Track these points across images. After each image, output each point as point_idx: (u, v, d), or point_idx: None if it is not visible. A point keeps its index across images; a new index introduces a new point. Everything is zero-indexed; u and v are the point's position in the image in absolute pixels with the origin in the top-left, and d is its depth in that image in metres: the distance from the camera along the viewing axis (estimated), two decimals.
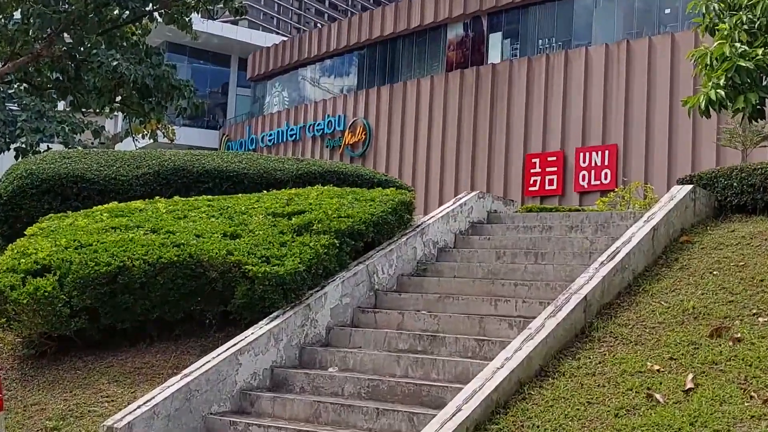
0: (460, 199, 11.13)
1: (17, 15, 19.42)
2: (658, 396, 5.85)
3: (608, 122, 28.69)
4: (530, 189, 30.64)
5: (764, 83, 9.24)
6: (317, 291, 8.18)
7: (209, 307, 8.04)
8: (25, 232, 9.20)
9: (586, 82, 29.40)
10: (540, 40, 32.77)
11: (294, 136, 43.61)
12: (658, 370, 6.25)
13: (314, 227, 8.80)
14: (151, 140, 23.35)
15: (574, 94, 29.76)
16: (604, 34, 30.06)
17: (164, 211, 9.66)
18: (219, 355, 7.11)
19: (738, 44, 9.07)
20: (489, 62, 34.00)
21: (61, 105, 26.54)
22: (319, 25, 78.57)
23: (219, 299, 7.98)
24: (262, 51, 49.15)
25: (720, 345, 6.51)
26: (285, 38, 47.45)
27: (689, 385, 5.93)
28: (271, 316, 7.72)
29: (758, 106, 9.17)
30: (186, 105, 20.10)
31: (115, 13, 19.38)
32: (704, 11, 9.97)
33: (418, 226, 10.00)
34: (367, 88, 39.79)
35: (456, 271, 9.39)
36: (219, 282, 7.86)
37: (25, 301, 7.59)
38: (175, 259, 7.81)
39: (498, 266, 9.20)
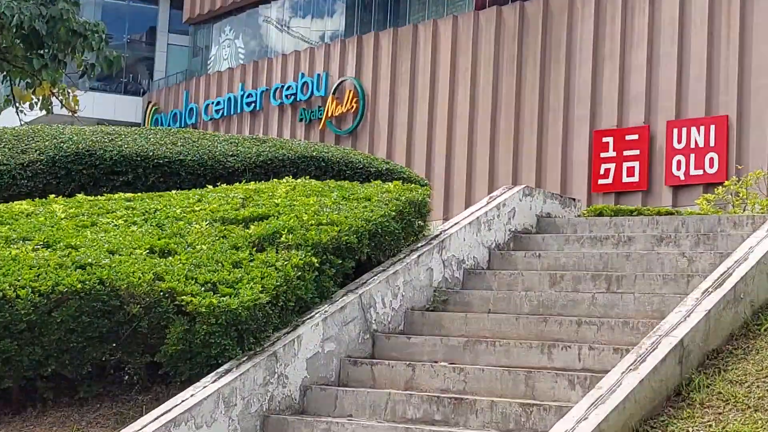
0: (497, 197, 11.15)
1: None
2: None
3: (715, 84, 28.74)
4: (600, 182, 30.69)
5: None
6: (287, 333, 8.18)
7: (129, 356, 8.03)
8: None
9: (682, 25, 29.46)
10: None
11: (253, 105, 43.72)
12: None
13: (282, 239, 8.80)
14: (44, 112, 23.37)
15: (664, 42, 29.83)
16: None
17: (63, 216, 9.66)
18: (143, 428, 7.11)
19: None
20: None
21: None
22: None
23: (143, 345, 7.97)
24: None
25: None
26: None
27: None
28: (219, 370, 7.72)
29: None
30: (94, 60, 20.15)
31: None
32: None
33: (435, 238, 10.01)
34: (360, 35, 39.90)
35: (491, 303, 9.40)
36: (143, 320, 7.86)
37: None
38: (79, 286, 7.80)
39: (553, 296, 9.21)
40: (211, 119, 45.78)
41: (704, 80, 28.80)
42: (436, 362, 8.44)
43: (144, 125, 48.77)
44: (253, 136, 13.70)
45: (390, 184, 10.57)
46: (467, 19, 35.38)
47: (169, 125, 47.04)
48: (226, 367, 7.74)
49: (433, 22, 36.60)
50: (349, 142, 38.29)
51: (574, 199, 12.34)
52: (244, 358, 7.84)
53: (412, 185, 10.73)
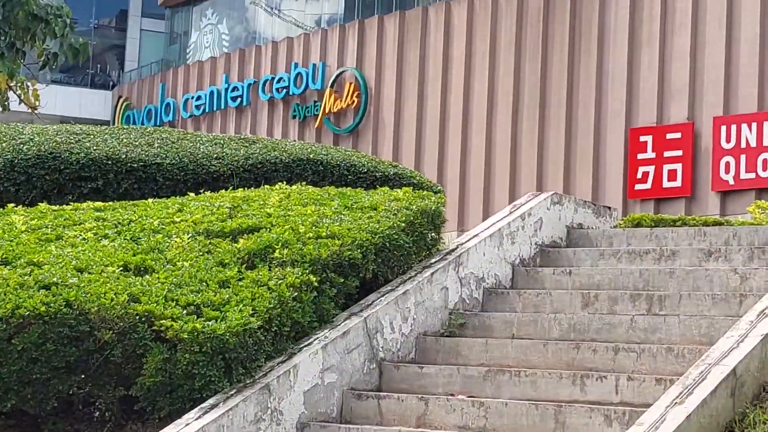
0: (522, 206, 11.16)
1: None
2: None
3: None
4: (637, 187, 30.71)
5: None
6: (282, 363, 8.19)
7: (101, 390, 8.03)
8: None
9: (730, 5, 29.49)
10: None
11: (239, 100, 43.82)
12: None
13: (276, 255, 8.80)
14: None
15: (711, 26, 29.86)
16: None
17: (23, 228, 9.67)
18: None
19: None
20: None
21: None
22: None
23: (117, 377, 7.97)
24: None
25: None
26: None
27: None
28: (204, 405, 7.72)
29: None
30: (57, 49, 20.21)
31: None
32: None
33: (450, 253, 10.02)
34: (362, 19, 39.99)
35: (515, 327, 9.40)
36: (117, 348, 7.86)
37: None
38: (43, 310, 7.81)
39: (586, 319, 9.21)
40: (191, 116, 45.87)
41: (756, 69, 28.82)
42: (452, 395, 8.45)
43: (114, 123, 48.90)
44: (241, 137, 13.75)
45: (399, 191, 10.59)
46: (484, 1, 35.43)
47: (142, 123, 47.16)
48: (211, 401, 7.74)
49: (446, 3, 36.68)
50: (350, 142, 38.36)
51: (609, 208, 12.35)
52: (233, 392, 7.84)
53: (424, 192, 10.75)
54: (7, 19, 19.37)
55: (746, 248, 10.21)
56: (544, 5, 33.68)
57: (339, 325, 8.71)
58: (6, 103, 23.22)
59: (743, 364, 7.37)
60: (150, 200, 11.06)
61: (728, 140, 29.00)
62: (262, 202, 10.37)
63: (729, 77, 29.31)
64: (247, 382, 7.94)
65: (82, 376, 7.99)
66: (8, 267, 8.57)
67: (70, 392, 8.06)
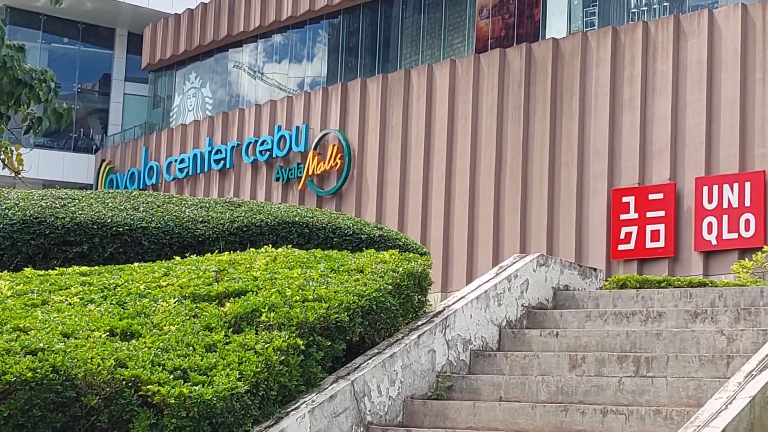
0: (508, 267, 11.19)
1: None
2: None
3: (750, 135, 29.00)
4: (620, 248, 30.78)
5: None
6: (269, 427, 8.16)
7: None
8: None
9: (710, 67, 29.80)
10: (633, 0, 33.31)
11: (222, 163, 43.89)
12: None
13: (263, 318, 8.81)
14: None
15: (691, 88, 30.14)
16: None
17: (9, 293, 9.65)
18: None
19: None
20: (548, 36, 34.48)
21: None
22: None
23: None
24: (167, 21, 49.78)
25: None
26: None
27: None
28: None
29: None
30: (42, 113, 20.26)
31: None
32: None
33: (437, 315, 10.03)
34: (345, 82, 40.23)
35: (503, 389, 9.41)
36: (103, 413, 7.83)
37: None
38: (30, 375, 7.77)
39: (574, 381, 9.21)
40: (174, 179, 45.90)
41: (737, 131, 29.05)
42: None
43: (97, 187, 48.90)
44: (227, 200, 13.76)
45: (385, 253, 10.62)
46: (467, 63, 35.73)
47: (126, 186, 47.18)
48: None
49: (428, 66, 36.95)
50: (333, 204, 38.42)
51: (594, 269, 12.40)
52: None
53: (410, 255, 10.79)
54: None
55: (732, 309, 10.25)
56: (525, 68, 33.95)
57: (326, 388, 8.70)
58: None
59: (732, 425, 7.36)
60: (136, 264, 11.05)
61: (710, 200, 29.14)
62: (248, 266, 10.38)
63: (710, 138, 29.52)
64: None
65: None
66: None
67: None
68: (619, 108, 31.56)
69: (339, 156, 38.97)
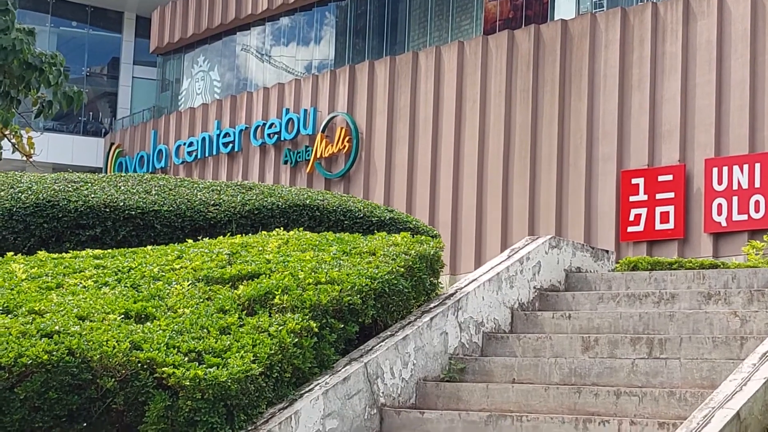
0: (520, 250, 11.19)
1: None
2: None
3: (759, 115, 28.92)
4: (629, 230, 30.76)
5: None
6: (283, 409, 8.17)
7: None
8: None
9: (720, 48, 29.71)
10: None
11: (230, 146, 43.90)
12: None
13: (276, 301, 8.82)
14: None
15: (701, 69, 30.06)
16: None
17: (24, 277, 9.67)
18: None
19: None
20: (557, 17, 34.39)
21: None
22: None
23: (119, 425, 7.95)
24: (175, 5, 49.73)
25: None
26: None
27: None
28: None
29: None
30: (52, 97, 20.27)
31: None
32: None
33: (449, 297, 10.04)
34: (353, 64, 40.19)
35: (516, 371, 9.41)
36: (119, 395, 7.85)
37: None
38: (46, 358, 7.80)
39: (587, 363, 9.22)
40: (183, 162, 45.93)
41: (747, 112, 28.98)
42: None
43: (106, 170, 48.95)
44: (238, 183, 13.77)
45: (397, 236, 10.63)
46: (475, 45, 35.65)
47: (135, 170, 47.22)
48: None
49: (436, 48, 36.87)
50: (341, 186, 38.42)
51: (606, 251, 12.39)
52: None
53: (422, 237, 10.78)
54: (2, 68, 19.41)
55: (746, 291, 10.24)
56: (534, 50, 33.88)
57: (339, 370, 8.71)
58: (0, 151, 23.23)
59: (747, 407, 7.37)
60: (149, 247, 11.08)
61: (720, 182, 29.09)
62: (260, 249, 10.39)
63: (720, 119, 29.46)
64: (249, 428, 7.94)
65: (84, 425, 7.97)
66: (10, 315, 8.56)
67: None
68: (628, 89, 31.49)
69: (347, 139, 38.94)
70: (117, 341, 8.01)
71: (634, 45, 31.57)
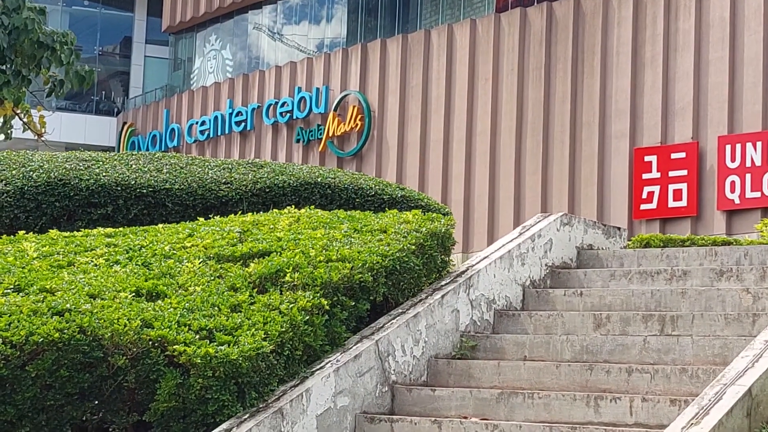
0: (531, 227, 11.16)
1: None
2: None
3: None
4: (642, 207, 30.71)
5: None
6: (294, 386, 8.18)
7: (114, 415, 8.02)
8: None
9: (733, 25, 29.56)
10: None
11: (243, 125, 43.90)
12: None
13: (287, 279, 8.82)
14: (2, 137, 23.44)
15: (714, 46, 29.92)
16: None
17: (35, 255, 9.69)
18: None
19: None
20: None
21: None
22: None
23: (130, 403, 7.97)
24: None
25: None
26: None
27: None
28: (217, 430, 7.71)
29: None
30: (63, 76, 20.26)
31: None
32: None
33: (460, 275, 10.03)
34: (364, 42, 40.10)
35: (527, 348, 9.40)
36: (130, 373, 7.87)
37: None
38: (57, 336, 7.81)
39: (598, 340, 9.20)
40: (195, 141, 45.95)
41: (761, 89, 28.86)
42: (465, 418, 8.44)
43: (119, 149, 49.02)
44: (249, 161, 13.76)
45: (408, 213, 10.61)
46: (487, 23, 35.54)
47: (147, 149, 47.28)
48: (224, 426, 7.74)
49: (448, 26, 36.77)
50: (354, 165, 38.41)
51: (618, 228, 12.35)
52: (246, 416, 7.84)
53: (433, 215, 10.76)
54: (13, 47, 19.40)
55: (758, 267, 10.21)
56: (546, 27, 33.76)
57: (351, 348, 8.71)
58: (10, 131, 23.31)
59: (759, 383, 7.35)
60: (160, 225, 11.08)
61: (733, 159, 29.01)
62: (271, 226, 10.38)
63: (733, 96, 29.34)
64: (260, 406, 7.95)
65: (96, 402, 7.99)
66: (21, 294, 8.58)
67: (84, 419, 8.05)
68: (641, 67, 31.37)
69: (359, 117, 38.90)
70: (128, 319, 8.02)
71: (646, 22, 31.44)
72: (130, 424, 8.08)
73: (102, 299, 8.45)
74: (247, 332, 8.09)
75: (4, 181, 12.36)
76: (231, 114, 44.33)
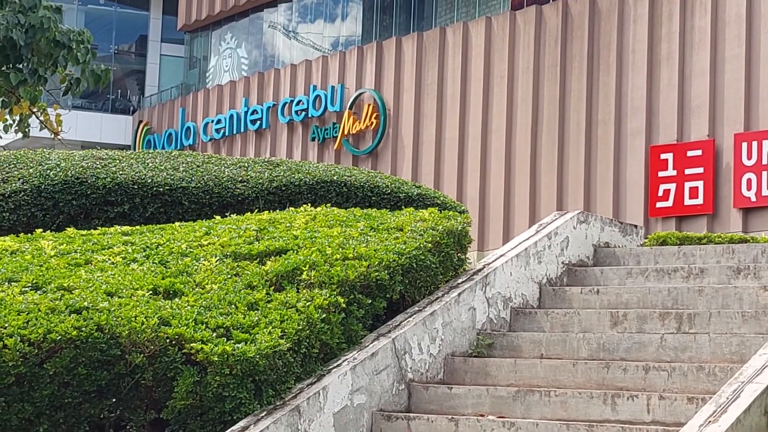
0: (548, 225, 11.15)
1: None
2: None
3: None
4: (658, 205, 30.65)
5: None
6: (311, 384, 8.19)
7: (132, 413, 8.04)
8: None
9: (750, 22, 29.46)
10: None
11: (258, 123, 43.96)
12: None
13: (304, 277, 8.82)
14: (20, 135, 23.51)
15: (730, 43, 29.85)
16: None
17: (52, 253, 9.71)
18: None
19: None
20: None
21: None
22: None
23: (148, 400, 7.98)
24: None
25: None
26: None
27: None
28: (234, 428, 7.72)
29: None
30: (79, 74, 20.31)
31: None
32: None
33: (477, 273, 10.02)
34: (380, 41, 40.10)
35: (544, 346, 9.40)
36: (147, 371, 7.88)
37: None
38: (75, 334, 7.82)
39: (615, 338, 9.19)
40: (211, 140, 46.02)
41: None
42: (482, 416, 8.44)
43: (135, 148, 49.14)
44: (265, 159, 13.78)
45: (424, 211, 10.61)
46: (502, 21, 35.51)
47: (163, 147, 47.36)
48: (242, 424, 7.75)
49: (464, 24, 36.75)
50: (369, 163, 38.43)
51: (635, 226, 12.33)
52: (263, 414, 7.85)
53: (450, 213, 10.76)
54: (30, 46, 19.46)
55: None
56: (562, 25, 33.73)
57: (367, 346, 8.71)
58: (27, 129, 23.34)
59: None
60: (176, 224, 11.09)
61: (749, 157, 28.93)
62: (288, 225, 10.39)
63: (749, 93, 29.26)
64: (277, 404, 7.95)
65: (114, 400, 8.00)
66: (39, 292, 8.60)
67: (102, 416, 8.07)
68: (657, 64, 31.31)
69: (374, 115, 38.91)
70: (145, 317, 8.03)
71: (662, 19, 31.37)
72: (148, 421, 8.09)
73: (119, 297, 8.46)
74: (264, 330, 8.09)
75: (21, 180, 12.41)
76: (246, 112, 44.39)
